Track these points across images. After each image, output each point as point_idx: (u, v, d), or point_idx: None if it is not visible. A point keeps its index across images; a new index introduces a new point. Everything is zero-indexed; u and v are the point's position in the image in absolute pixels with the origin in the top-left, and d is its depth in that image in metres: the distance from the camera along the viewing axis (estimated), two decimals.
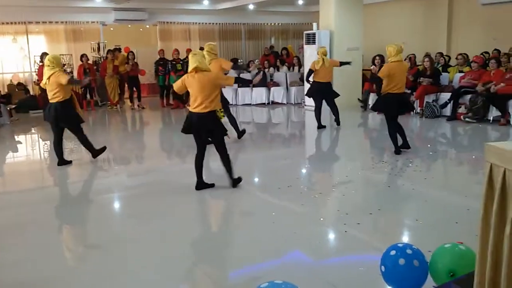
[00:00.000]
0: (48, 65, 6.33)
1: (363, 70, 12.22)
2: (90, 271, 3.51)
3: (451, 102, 9.62)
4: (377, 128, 9.76)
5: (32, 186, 6.11)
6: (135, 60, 12.89)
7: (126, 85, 13.29)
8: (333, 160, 7.25)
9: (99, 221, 4.59)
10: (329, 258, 3.65)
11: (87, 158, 7.11)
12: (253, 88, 13.18)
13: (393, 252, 2.85)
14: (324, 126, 9.16)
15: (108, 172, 6.72)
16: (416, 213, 4.53)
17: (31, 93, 12.94)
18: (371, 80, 11.10)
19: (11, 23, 13.07)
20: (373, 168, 6.22)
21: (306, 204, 4.78)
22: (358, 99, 11.64)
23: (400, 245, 2.92)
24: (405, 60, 10.81)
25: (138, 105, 12.99)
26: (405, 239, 3.96)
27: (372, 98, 11.12)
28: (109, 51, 12.86)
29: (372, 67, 10.93)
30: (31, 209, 4.99)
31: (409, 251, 2.82)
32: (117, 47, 13.43)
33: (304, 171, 6.41)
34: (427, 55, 10.78)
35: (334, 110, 9.16)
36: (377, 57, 10.94)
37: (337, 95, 9.08)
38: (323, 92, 8.89)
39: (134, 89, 13.08)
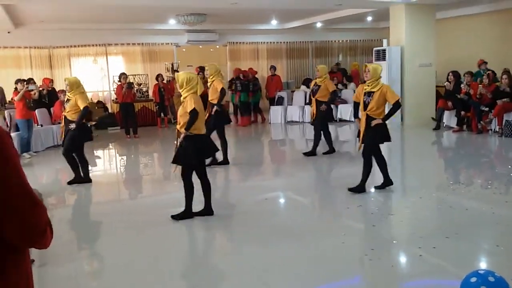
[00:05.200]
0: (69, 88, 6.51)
1: (436, 87, 11.81)
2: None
3: None
4: (452, 147, 9.35)
5: (106, 199, 6.45)
6: (205, 79, 13.29)
7: None
8: (406, 180, 7.02)
9: (163, 235, 4.75)
10: (403, 283, 3.52)
11: (159, 173, 7.38)
12: None
13: (473, 279, 2.69)
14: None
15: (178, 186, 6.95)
16: (496, 238, 4.27)
17: (110, 111, 13.73)
18: (445, 97, 10.70)
19: (92, 45, 14.01)
20: (449, 189, 5.95)
21: (377, 225, 4.66)
22: (432, 117, 11.22)
23: (481, 271, 2.75)
24: (483, 76, 10.35)
25: None
26: (485, 265, 3.74)
27: (446, 117, 10.69)
28: (176, 71, 13.41)
29: (446, 84, 10.56)
30: (105, 220, 5.26)
31: (491, 279, 2.65)
32: (189, 67, 13.98)
33: (374, 190, 6.25)
34: (506, 71, 10.21)
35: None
36: (450, 74, 10.55)
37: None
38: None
39: None
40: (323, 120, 8.05)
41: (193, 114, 4.65)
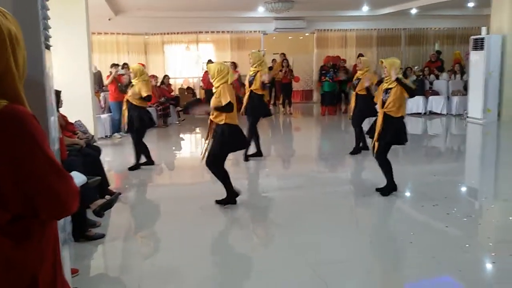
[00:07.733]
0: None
1: None
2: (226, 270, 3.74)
3: None
4: None
5: (188, 181, 6.72)
6: (289, 68, 13.28)
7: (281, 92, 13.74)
8: (493, 180, 6.50)
9: (241, 221, 4.86)
10: None
11: (239, 157, 7.47)
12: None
13: None
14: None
15: (259, 174, 7.07)
16: None
17: (197, 96, 14.25)
18: None
19: (184, 32, 14.58)
20: None
21: (451, 227, 4.37)
22: None
23: None
24: None
25: (288, 111, 13.31)
26: None
27: None
28: None
29: None
30: (181, 202, 5.48)
31: None
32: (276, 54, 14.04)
33: (455, 190, 5.87)
34: None
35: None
36: None
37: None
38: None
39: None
40: (361, 115, 7.54)
41: (229, 107, 4.80)
